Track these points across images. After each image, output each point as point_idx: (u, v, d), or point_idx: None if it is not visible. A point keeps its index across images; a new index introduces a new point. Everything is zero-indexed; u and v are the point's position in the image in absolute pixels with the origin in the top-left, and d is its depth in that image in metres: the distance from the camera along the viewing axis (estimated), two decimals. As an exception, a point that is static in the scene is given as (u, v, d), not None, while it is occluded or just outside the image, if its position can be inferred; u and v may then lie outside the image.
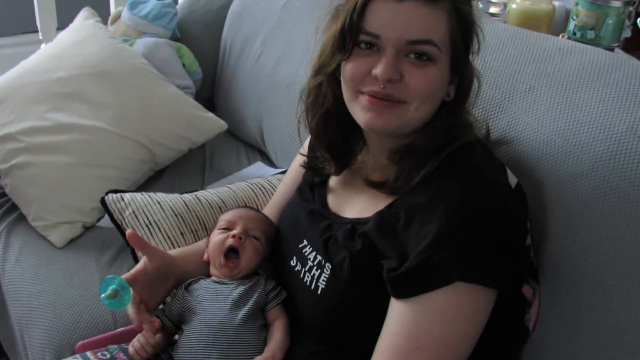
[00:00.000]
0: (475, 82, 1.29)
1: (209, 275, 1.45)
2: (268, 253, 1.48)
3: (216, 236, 1.46)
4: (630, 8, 2.19)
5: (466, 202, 1.15)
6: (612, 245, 1.17)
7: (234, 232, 1.44)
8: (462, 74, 1.25)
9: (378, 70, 1.18)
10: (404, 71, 1.18)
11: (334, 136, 1.38)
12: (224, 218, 1.51)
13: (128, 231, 1.39)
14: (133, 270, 1.38)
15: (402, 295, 1.16)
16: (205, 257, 1.48)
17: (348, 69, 1.23)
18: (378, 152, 1.34)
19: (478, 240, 1.13)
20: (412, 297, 1.14)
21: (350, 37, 1.21)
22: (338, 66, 1.26)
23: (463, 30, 1.22)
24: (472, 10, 1.24)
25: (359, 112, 1.24)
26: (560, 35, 2.16)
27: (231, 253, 1.42)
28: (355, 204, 1.35)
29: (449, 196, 1.16)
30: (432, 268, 1.12)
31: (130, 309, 1.34)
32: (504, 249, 1.16)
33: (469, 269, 1.12)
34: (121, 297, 1.29)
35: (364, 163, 1.40)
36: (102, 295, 1.28)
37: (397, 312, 1.17)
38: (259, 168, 2.37)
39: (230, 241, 1.42)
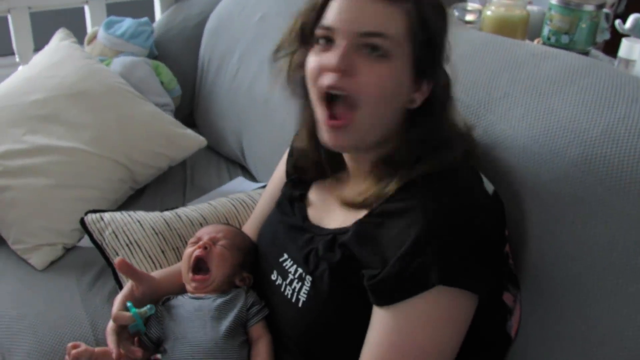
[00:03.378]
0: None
1: None
2: (239, 262, 1.46)
3: (185, 251, 1.46)
4: (608, 10, 2.20)
5: (445, 208, 1.15)
6: (591, 251, 1.17)
7: (199, 243, 1.44)
8: (434, 82, 1.23)
9: (330, 60, 1.17)
10: (357, 65, 1.16)
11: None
12: (195, 235, 1.51)
13: (117, 260, 1.38)
14: (120, 297, 1.38)
15: (383, 302, 1.15)
16: (183, 274, 1.48)
17: (308, 65, 1.24)
18: (356, 168, 1.34)
19: (457, 245, 1.13)
20: (393, 304, 1.14)
21: (308, 32, 1.23)
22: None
23: (427, 35, 1.19)
24: (440, 18, 1.22)
25: (322, 134, 1.25)
26: (536, 41, 2.17)
27: (199, 267, 1.42)
28: (336, 215, 1.34)
29: (428, 202, 1.15)
30: (412, 273, 1.12)
31: (110, 337, 1.32)
32: (482, 255, 1.16)
33: (448, 273, 1.11)
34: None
35: (340, 180, 1.40)
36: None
37: (380, 321, 1.16)
38: (240, 183, 2.37)
39: (196, 252, 1.43)
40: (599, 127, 1.23)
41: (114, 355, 1.30)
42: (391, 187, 1.21)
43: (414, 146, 1.23)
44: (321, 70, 1.20)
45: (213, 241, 1.45)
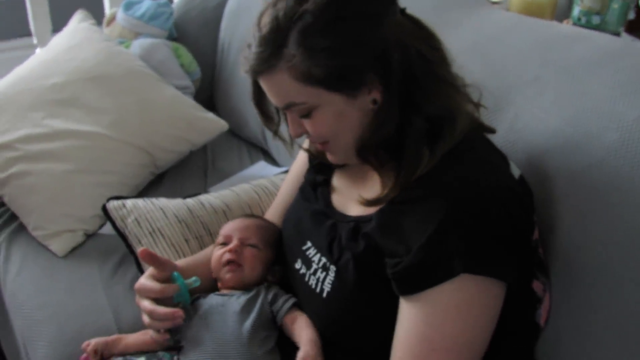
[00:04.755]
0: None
1: (217, 289, 1.44)
2: (272, 258, 1.46)
3: (215, 253, 1.46)
4: (634, -12, 2.16)
5: (468, 195, 1.12)
6: (624, 237, 1.14)
7: (230, 246, 1.44)
8: (378, 74, 1.17)
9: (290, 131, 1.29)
10: (304, 125, 1.24)
11: None
12: (221, 233, 1.50)
13: (140, 250, 1.37)
14: (143, 279, 1.36)
15: (407, 291, 1.13)
16: (214, 274, 1.47)
17: None
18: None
19: (481, 232, 1.11)
20: (418, 294, 1.12)
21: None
22: None
23: (318, 65, 1.14)
24: (319, 37, 1.14)
25: None
26: (564, 22, 2.13)
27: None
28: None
29: (451, 188, 1.13)
30: (436, 261, 1.10)
31: (160, 309, 1.30)
32: (508, 241, 1.14)
33: (473, 261, 1.09)
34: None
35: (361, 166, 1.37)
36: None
37: (407, 313, 1.14)
38: (262, 168, 2.35)
39: (227, 256, 1.42)
40: (636, 110, 1.19)
41: (177, 314, 1.29)
42: (415, 173, 1.17)
43: (386, 131, 1.20)
44: None
45: (242, 242, 1.45)
